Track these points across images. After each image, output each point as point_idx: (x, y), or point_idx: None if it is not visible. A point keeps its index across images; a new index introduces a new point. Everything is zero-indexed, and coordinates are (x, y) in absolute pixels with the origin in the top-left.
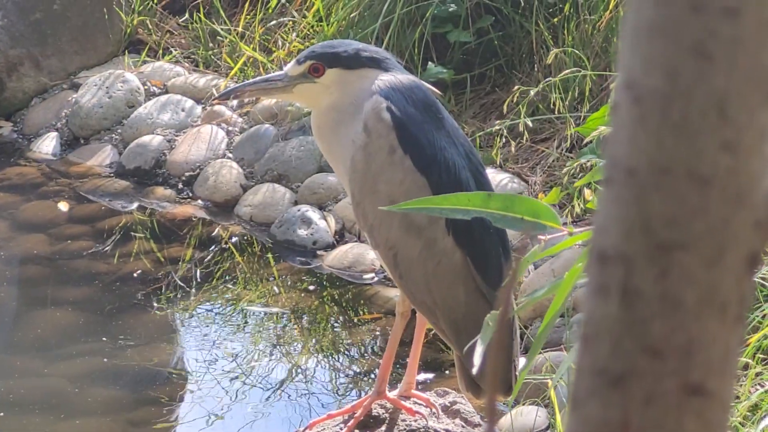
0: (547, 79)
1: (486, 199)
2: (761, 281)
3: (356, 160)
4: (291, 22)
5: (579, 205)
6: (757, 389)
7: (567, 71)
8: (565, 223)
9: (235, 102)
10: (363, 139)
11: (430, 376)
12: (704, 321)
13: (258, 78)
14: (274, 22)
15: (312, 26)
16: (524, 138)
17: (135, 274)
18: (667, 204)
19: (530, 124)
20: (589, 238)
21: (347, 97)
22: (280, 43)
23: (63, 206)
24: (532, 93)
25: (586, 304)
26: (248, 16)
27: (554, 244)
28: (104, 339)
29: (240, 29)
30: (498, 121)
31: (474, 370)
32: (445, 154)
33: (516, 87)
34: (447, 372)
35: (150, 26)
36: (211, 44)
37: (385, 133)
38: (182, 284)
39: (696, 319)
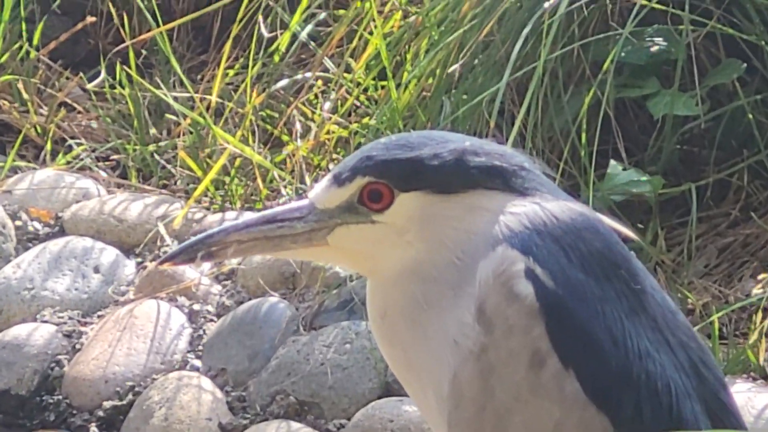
0: None
1: None
2: None
3: (463, 379)
4: (319, 81)
5: None
6: None
7: None
8: None
9: (206, 264)
10: (477, 338)
11: None
12: None
13: (255, 216)
14: (282, 82)
15: (362, 91)
16: None
17: None
18: None
19: None
20: None
21: (442, 251)
22: (297, 126)
23: None
24: None
25: None
26: (232, 69)
27: None
28: None
29: (214, 95)
30: (759, 282)
31: None
32: (649, 364)
33: None
34: None
35: (24, 93)
36: (152, 129)
37: (524, 325)
38: None
39: None
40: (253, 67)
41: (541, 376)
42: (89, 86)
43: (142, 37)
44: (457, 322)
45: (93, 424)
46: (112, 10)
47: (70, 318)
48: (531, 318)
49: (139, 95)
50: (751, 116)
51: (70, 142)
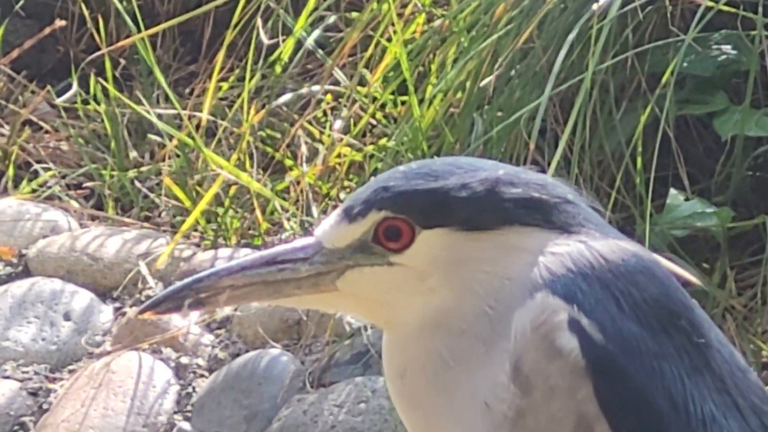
0: None
1: None
2: None
3: None
4: (329, 96)
5: None
6: None
7: None
8: None
9: (194, 313)
10: (512, 400)
11: None
12: None
13: (253, 257)
14: (285, 96)
15: (379, 107)
16: None
17: None
18: None
19: None
20: None
21: (471, 299)
22: (303, 148)
23: None
24: None
25: None
26: (226, 82)
27: None
28: None
29: (205, 112)
30: None
31: None
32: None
33: None
34: None
35: None
36: (132, 152)
37: (567, 386)
38: None
39: None
40: (250, 79)
41: None
42: (58, 101)
43: (121, 43)
44: (489, 382)
45: None
46: (86, 13)
47: (36, 373)
48: (576, 377)
49: (117, 112)
50: None
51: (36, 166)
